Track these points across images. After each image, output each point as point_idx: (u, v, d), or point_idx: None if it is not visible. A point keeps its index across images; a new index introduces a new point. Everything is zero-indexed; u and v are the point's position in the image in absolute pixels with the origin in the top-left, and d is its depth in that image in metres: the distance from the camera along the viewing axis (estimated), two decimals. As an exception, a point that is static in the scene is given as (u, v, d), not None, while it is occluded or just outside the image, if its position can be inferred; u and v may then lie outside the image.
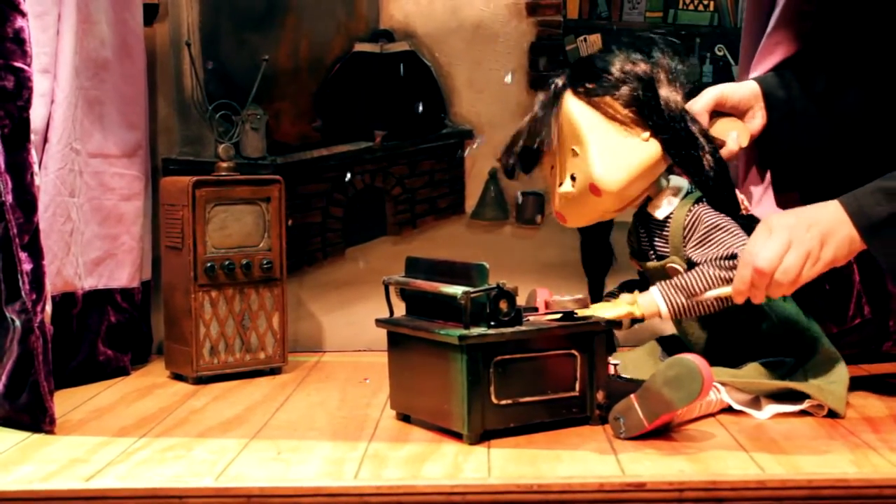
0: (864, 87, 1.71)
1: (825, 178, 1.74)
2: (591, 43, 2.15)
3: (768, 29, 1.75)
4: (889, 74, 1.69)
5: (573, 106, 1.60)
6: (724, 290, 1.56)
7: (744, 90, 1.70)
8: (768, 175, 1.80)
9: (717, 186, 1.61)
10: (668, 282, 1.60)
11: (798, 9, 1.72)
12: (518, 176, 1.68)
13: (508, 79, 2.07)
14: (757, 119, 1.71)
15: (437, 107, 2.15)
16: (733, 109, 1.70)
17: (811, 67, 1.73)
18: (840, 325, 1.84)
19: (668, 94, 1.60)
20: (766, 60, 1.75)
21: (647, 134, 1.60)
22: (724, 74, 2.11)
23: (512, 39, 2.14)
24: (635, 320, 1.73)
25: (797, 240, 1.47)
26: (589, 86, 1.60)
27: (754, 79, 1.73)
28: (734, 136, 1.68)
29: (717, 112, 1.70)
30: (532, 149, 1.65)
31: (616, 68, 1.60)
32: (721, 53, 2.15)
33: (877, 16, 1.69)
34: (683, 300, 1.59)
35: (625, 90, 1.59)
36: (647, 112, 1.59)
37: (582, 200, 1.62)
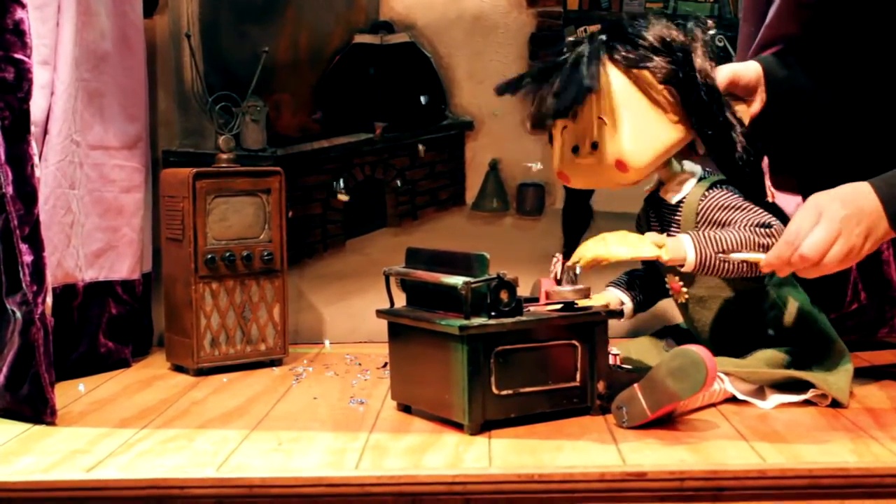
0: (863, 74, 1.71)
1: (823, 163, 1.73)
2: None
3: (768, 18, 1.75)
4: (888, 63, 1.69)
5: (609, 73, 1.54)
6: (756, 256, 1.51)
7: (750, 72, 1.69)
8: (765, 158, 1.80)
9: (747, 171, 1.58)
10: (701, 232, 1.55)
11: None
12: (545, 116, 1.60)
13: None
14: (757, 101, 1.71)
15: (437, 98, 2.15)
16: (744, 91, 1.68)
17: (811, 52, 1.72)
18: (837, 311, 1.84)
19: (706, 68, 1.56)
20: (766, 49, 1.75)
21: (678, 115, 1.55)
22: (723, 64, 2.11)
23: (512, 30, 2.14)
24: (637, 310, 1.73)
25: (847, 234, 1.45)
26: (627, 54, 1.54)
27: (756, 59, 1.73)
28: None
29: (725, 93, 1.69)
30: (578, 92, 1.53)
31: (653, 36, 1.54)
32: (721, 44, 2.14)
33: (875, 5, 1.69)
34: (712, 253, 1.53)
35: (662, 62, 1.53)
36: (684, 88, 1.54)
37: (599, 170, 1.57)
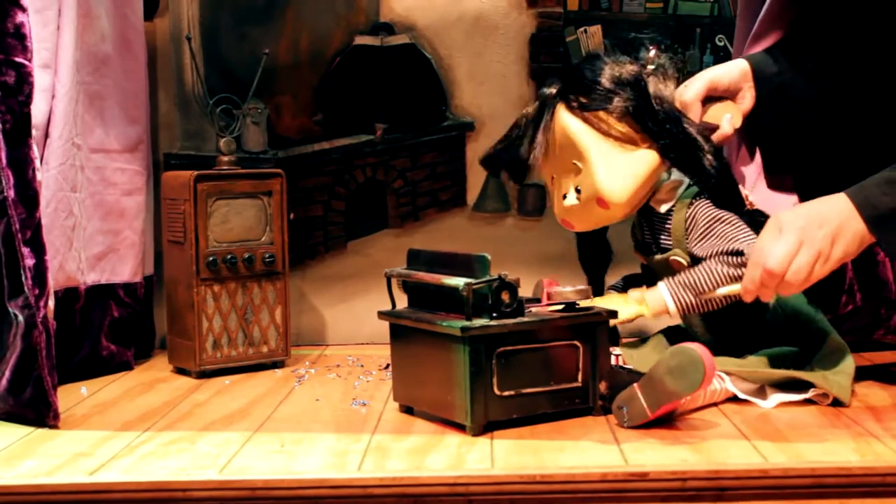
0: (853, 70, 1.71)
1: (817, 160, 1.74)
2: (592, 34, 2.15)
3: (761, 14, 1.75)
4: (878, 60, 1.69)
5: (568, 121, 1.61)
6: (733, 289, 1.56)
7: (733, 72, 1.70)
8: (758, 157, 1.80)
9: (720, 185, 1.61)
10: (675, 279, 1.61)
11: None
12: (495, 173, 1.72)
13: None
14: (747, 99, 1.71)
15: (437, 99, 2.15)
16: (726, 93, 1.70)
17: (801, 47, 1.73)
18: (833, 313, 1.84)
19: (660, 94, 1.60)
20: (758, 45, 1.75)
21: (645, 143, 1.60)
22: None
23: (512, 31, 2.14)
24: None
25: (808, 240, 1.46)
26: (582, 100, 1.60)
27: (743, 56, 1.73)
28: (728, 119, 1.68)
29: (709, 98, 1.70)
30: (518, 162, 1.65)
31: (606, 77, 1.60)
32: (721, 44, 2.15)
33: (866, 2, 1.69)
34: (692, 298, 1.60)
35: (617, 102, 1.59)
36: (642, 119, 1.59)
37: (589, 211, 1.64)
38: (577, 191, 1.63)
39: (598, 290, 1.74)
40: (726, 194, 1.62)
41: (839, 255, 1.48)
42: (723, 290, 1.58)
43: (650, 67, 1.63)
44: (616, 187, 1.60)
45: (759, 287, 1.49)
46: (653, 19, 2.15)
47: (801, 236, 1.47)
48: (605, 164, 1.59)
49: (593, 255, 1.75)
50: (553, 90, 1.62)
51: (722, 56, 2.14)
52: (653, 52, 1.65)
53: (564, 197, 1.65)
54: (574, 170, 1.62)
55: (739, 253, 1.57)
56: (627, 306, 1.62)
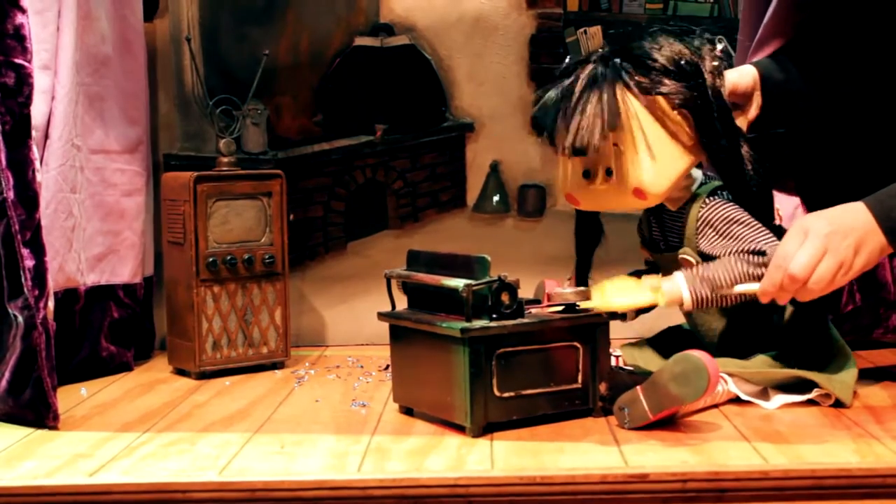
0: (861, 76, 1.71)
1: (819, 164, 1.73)
2: (592, 35, 2.15)
3: (765, 19, 1.75)
4: (885, 66, 1.69)
5: (627, 100, 1.51)
6: (751, 287, 1.51)
7: (747, 78, 1.69)
8: None
9: (757, 194, 1.57)
10: (694, 271, 1.54)
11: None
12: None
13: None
14: (753, 105, 1.71)
15: (437, 100, 2.15)
16: (742, 99, 1.68)
17: (807, 54, 1.72)
18: (833, 313, 1.84)
19: (716, 87, 1.54)
20: (763, 50, 1.75)
21: (692, 140, 1.53)
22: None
23: (512, 32, 2.14)
24: (638, 313, 1.73)
25: (833, 249, 1.45)
26: (641, 80, 1.51)
27: (751, 63, 1.73)
28: None
29: None
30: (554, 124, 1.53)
31: (665, 58, 1.52)
32: (722, 45, 2.14)
33: (872, 7, 1.69)
34: (708, 292, 1.53)
35: (675, 86, 1.51)
36: (698, 113, 1.52)
37: (614, 196, 1.55)
38: (608, 173, 1.54)
39: (586, 267, 1.68)
40: (760, 205, 1.58)
41: (861, 265, 1.47)
42: (741, 288, 1.52)
43: (714, 63, 1.54)
44: (660, 180, 1.52)
45: (778, 290, 1.47)
46: (652, 20, 2.15)
47: (827, 244, 1.45)
48: (652, 152, 1.51)
49: (588, 232, 1.70)
50: (608, 63, 1.51)
51: (723, 59, 2.13)
52: (720, 47, 1.56)
53: (586, 174, 1.56)
54: (612, 151, 1.52)
55: (762, 253, 1.52)
56: (641, 293, 1.54)
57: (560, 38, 2.14)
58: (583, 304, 1.53)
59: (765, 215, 1.58)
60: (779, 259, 1.47)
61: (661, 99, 1.51)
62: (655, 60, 1.52)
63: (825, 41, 1.73)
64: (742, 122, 1.68)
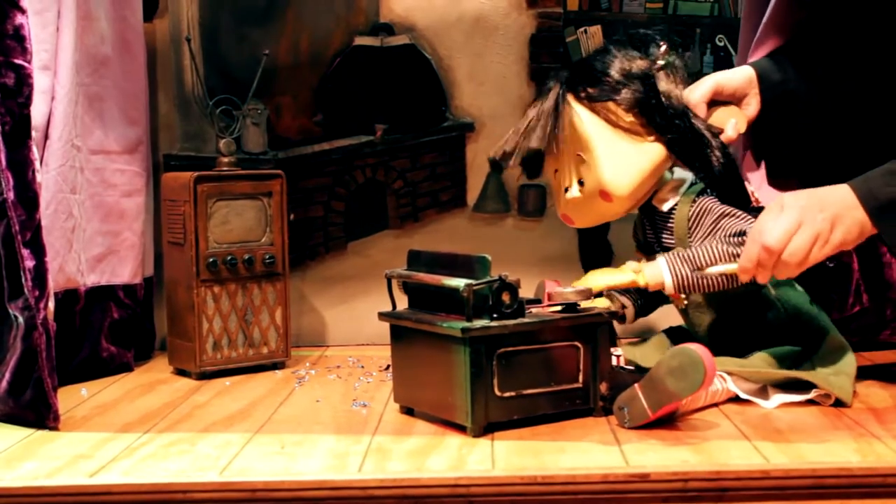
0: (861, 75, 1.71)
1: (822, 164, 1.73)
2: (592, 34, 2.15)
3: (764, 18, 1.75)
4: (885, 64, 1.69)
5: (576, 111, 1.60)
6: (730, 267, 1.53)
7: (739, 77, 1.70)
8: (763, 162, 1.80)
9: (727, 181, 1.61)
10: (674, 252, 1.59)
11: None
12: (508, 167, 1.67)
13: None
14: (752, 105, 1.71)
15: (437, 100, 2.15)
16: (731, 97, 1.70)
17: (807, 53, 1.73)
18: (840, 314, 1.84)
19: (669, 90, 1.60)
20: (762, 48, 1.75)
21: (652, 136, 1.60)
22: (725, 65, 2.11)
23: (512, 31, 2.14)
24: (638, 314, 1.74)
25: (808, 220, 1.46)
26: (590, 90, 1.60)
27: (749, 63, 1.73)
28: (733, 124, 1.68)
29: (714, 101, 1.70)
30: (536, 155, 1.64)
31: (615, 70, 1.60)
32: (722, 44, 2.15)
33: (871, 5, 1.69)
34: (688, 272, 1.56)
35: (626, 93, 1.59)
36: (650, 113, 1.59)
37: (591, 205, 1.63)
38: (581, 183, 1.62)
39: (599, 294, 1.72)
40: (732, 189, 1.61)
41: (838, 240, 1.48)
42: (719, 268, 1.55)
43: (660, 63, 1.62)
44: (620, 179, 1.59)
45: (756, 265, 1.48)
46: (653, 19, 2.15)
47: (801, 216, 1.46)
48: (611, 155, 1.59)
49: (594, 254, 1.75)
50: (562, 80, 1.62)
51: (722, 56, 2.14)
52: (663, 49, 1.63)
53: (566, 190, 1.64)
54: (578, 161, 1.61)
55: (741, 233, 1.56)
56: (623, 274, 1.59)
57: (560, 38, 2.14)
58: (583, 304, 1.54)
59: (739, 199, 1.61)
60: (754, 233, 1.48)
61: (611, 105, 1.59)
62: (606, 73, 1.60)
63: (824, 40, 1.73)
64: (740, 120, 1.68)
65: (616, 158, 1.59)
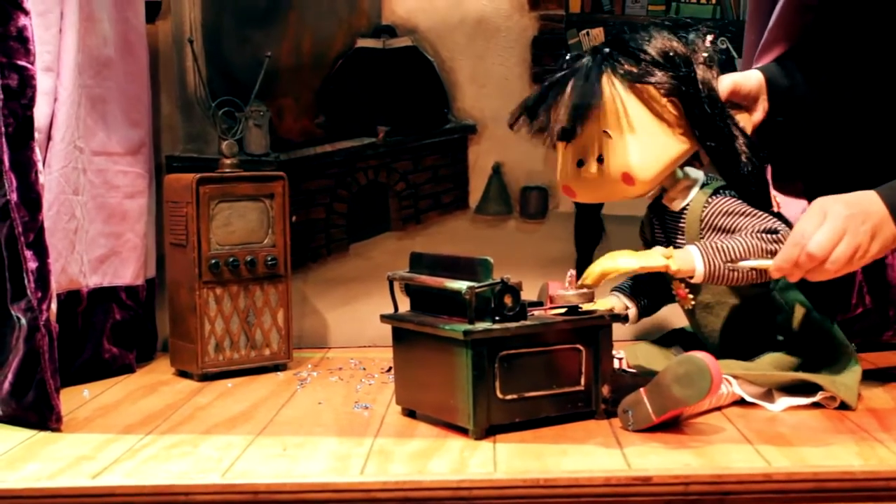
0: (866, 81, 1.71)
1: (827, 168, 1.74)
2: (594, 37, 2.15)
3: (770, 22, 1.75)
4: (890, 69, 1.69)
5: (616, 88, 1.55)
6: (764, 263, 1.51)
7: (752, 80, 1.69)
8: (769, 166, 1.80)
9: (752, 181, 1.58)
10: (707, 242, 1.54)
11: (801, 1, 1.72)
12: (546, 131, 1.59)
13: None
14: (759, 110, 1.71)
15: (439, 102, 2.15)
16: (745, 99, 1.69)
17: (813, 59, 1.73)
18: (843, 315, 1.85)
19: (709, 81, 1.57)
20: (769, 53, 1.75)
21: (681, 128, 1.56)
22: (727, 68, 2.10)
23: (514, 34, 2.14)
24: (642, 315, 1.73)
25: (852, 231, 1.46)
26: (630, 69, 1.54)
27: (757, 68, 1.73)
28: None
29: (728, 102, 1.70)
30: (588, 106, 1.55)
31: (655, 50, 1.55)
32: (724, 46, 2.15)
33: (878, 10, 1.69)
34: (721, 263, 1.52)
35: (665, 76, 1.54)
36: (689, 102, 1.55)
37: (606, 184, 1.58)
38: (600, 160, 1.57)
39: (586, 265, 1.65)
40: (756, 192, 1.59)
41: (876, 251, 1.48)
42: (753, 262, 1.52)
43: (703, 55, 1.58)
44: (647, 164, 1.54)
45: (793, 266, 1.47)
46: (654, 22, 2.15)
47: (846, 226, 1.46)
48: (642, 139, 1.54)
49: (587, 230, 1.72)
50: (601, 53, 1.56)
51: (724, 59, 2.13)
52: (709, 39, 1.60)
53: (580, 164, 1.59)
54: (602, 138, 1.56)
55: (774, 231, 1.54)
56: (653, 258, 1.54)
57: (562, 40, 2.14)
58: (585, 307, 1.53)
59: (762, 203, 1.59)
60: (797, 237, 1.47)
61: (650, 88, 1.54)
62: (646, 52, 1.55)
63: (830, 45, 1.73)
64: (747, 125, 1.68)
65: (645, 142, 1.54)
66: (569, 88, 1.56)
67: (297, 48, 2.14)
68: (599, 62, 1.55)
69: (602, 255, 1.57)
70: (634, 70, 1.54)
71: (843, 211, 1.47)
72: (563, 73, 1.58)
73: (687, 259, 1.53)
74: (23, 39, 1.51)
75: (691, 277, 1.54)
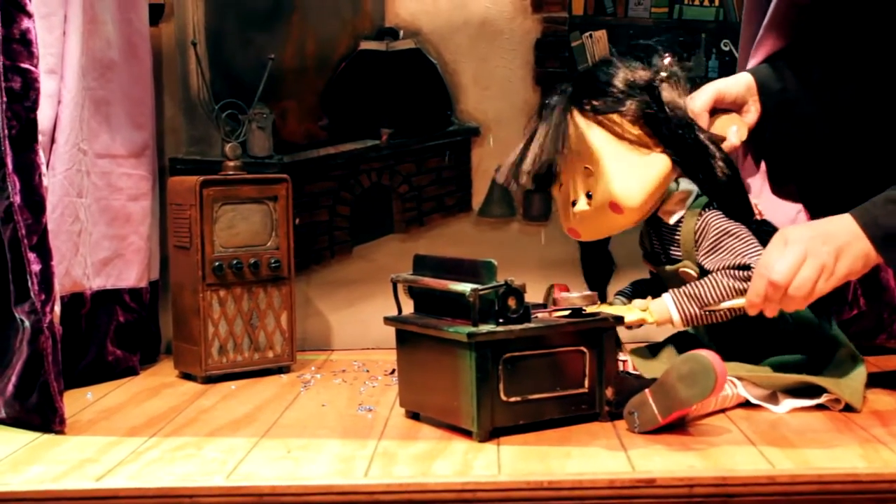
0: (859, 80, 1.71)
1: (821, 170, 1.74)
2: (597, 39, 2.15)
3: (765, 20, 1.75)
4: (883, 68, 1.69)
5: (581, 125, 1.59)
6: (738, 302, 1.56)
7: (739, 85, 1.70)
8: (763, 165, 1.80)
9: (730, 193, 1.61)
10: (680, 290, 1.60)
11: (793, 0, 1.72)
12: (523, 187, 1.66)
13: None
14: (752, 112, 1.71)
15: (443, 104, 2.15)
16: (732, 105, 1.70)
17: (805, 59, 1.73)
18: (837, 318, 1.85)
19: (673, 100, 1.60)
20: (762, 50, 1.76)
21: (658, 148, 1.59)
22: (730, 69, 2.11)
23: (517, 36, 2.14)
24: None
25: (812, 253, 1.46)
26: (595, 103, 1.59)
27: (748, 70, 1.73)
28: (734, 131, 1.68)
29: (715, 109, 1.70)
30: (547, 170, 1.63)
31: (619, 81, 1.60)
32: (727, 48, 2.15)
33: (870, 8, 1.69)
34: (696, 310, 1.59)
35: (631, 105, 1.58)
36: (655, 124, 1.59)
37: (600, 217, 1.62)
38: (589, 196, 1.61)
39: (602, 301, 1.72)
40: (736, 202, 1.62)
41: (843, 271, 1.48)
42: (727, 304, 1.58)
43: (663, 74, 1.62)
44: (631, 190, 1.58)
45: (763, 300, 1.49)
46: (658, 24, 2.15)
47: (806, 249, 1.47)
48: (619, 167, 1.58)
49: (596, 266, 1.75)
50: (566, 94, 1.61)
51: (727, 61, 2.14)
52: (667, 60, 1.63)
53: (574, 204, 1.64)
54: (585, 175, 1.61)
55: (746, 267, 1.57)
56: (631, 312, 1.61)
57: (565, 43, 2.14)
58: (589, 309, 1.53)
59: (742, 212, 1.62)
60: (760, 268, 1.50)
61: (615, 117, 1.59)
62: (610, 84, 1.60)
63: (823, 44, 1.73)
64: (741, 127, 1.69)
65: (625, 170, 1.58)
66: (538, 139, 1.61)
67: (301, 50, 2.15)
68: (562, 102, 1.60)
69: (615, 288, 1.70)
70: (599, 104, 1.59)
71: (804, 234, 1.48)
72: (535, 125, 1.63)
73: (662, 310, 1.61)
74: (26, 42, 1.51)
75: (672, 325, 1.61)
